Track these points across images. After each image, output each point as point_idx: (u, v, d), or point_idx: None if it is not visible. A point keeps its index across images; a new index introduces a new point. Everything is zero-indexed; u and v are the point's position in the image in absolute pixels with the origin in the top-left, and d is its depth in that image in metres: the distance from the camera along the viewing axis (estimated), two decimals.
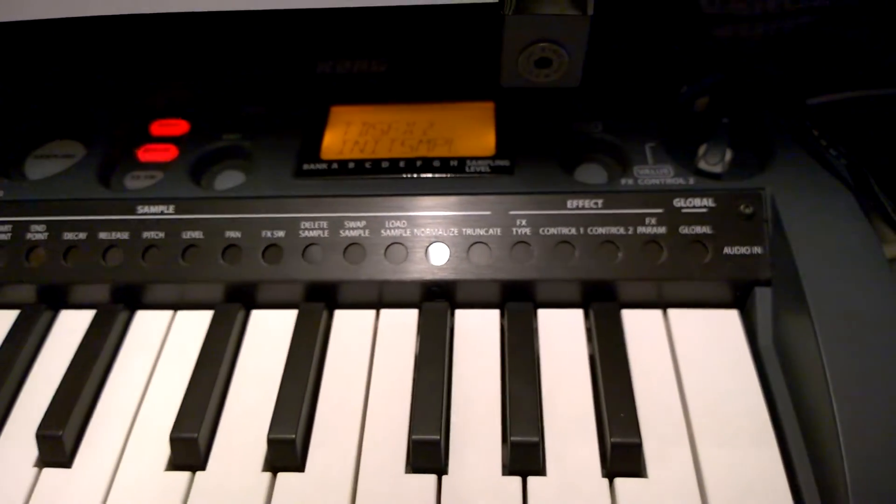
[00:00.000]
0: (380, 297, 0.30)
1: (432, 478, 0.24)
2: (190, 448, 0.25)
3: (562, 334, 0.28)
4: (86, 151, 0.34)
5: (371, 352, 0.28)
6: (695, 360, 0.27)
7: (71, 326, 0.30)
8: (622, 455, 0.24)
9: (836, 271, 0.26)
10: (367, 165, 0.31)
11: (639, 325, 0.28)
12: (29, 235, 0.31)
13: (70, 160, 0.34)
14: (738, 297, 0.28)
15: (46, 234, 0.30)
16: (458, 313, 0.29)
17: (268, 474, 0.25)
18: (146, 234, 0.30)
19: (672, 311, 0.28)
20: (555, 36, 0.22)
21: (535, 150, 0.31)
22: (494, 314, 0.29)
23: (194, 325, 0.30)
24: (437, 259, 0.29)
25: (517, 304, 0.29)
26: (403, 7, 0.26)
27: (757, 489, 0.23)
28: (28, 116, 0.37)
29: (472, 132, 0.33)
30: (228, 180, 0.33)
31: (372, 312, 0.30)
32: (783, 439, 0.25)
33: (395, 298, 0.29)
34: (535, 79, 0.23)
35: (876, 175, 0.45)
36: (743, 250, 0.28)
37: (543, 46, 0.22)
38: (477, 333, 0.28)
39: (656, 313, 0.28)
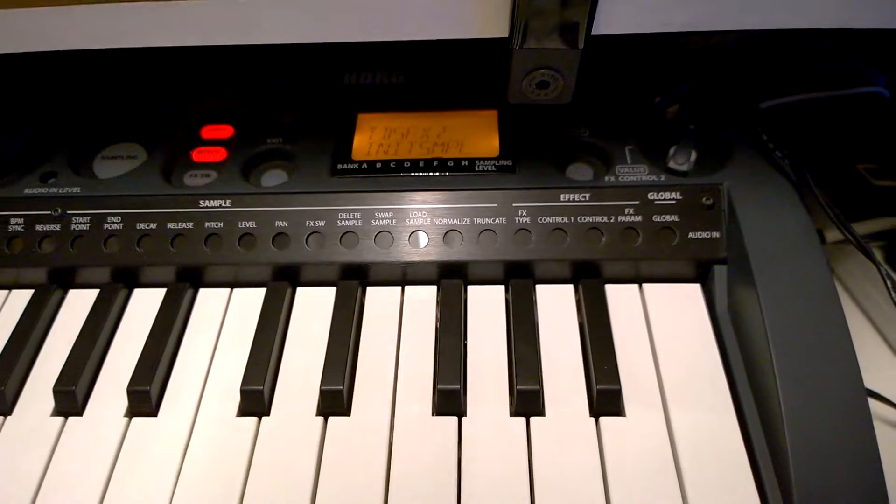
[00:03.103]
0: (404, 275, 0.35)
1: (454, 419, 0.30)
2: (256, 398, 0.31)
3: (556, 305, 0.34)
4: (147, 153, 0.40)
5: (399, 320, 0.34)
6: (664, 325, 0.33)
7: (146, 303, 0.36)
8: (605, 399, 0.30)
9: (778, 251, 0.32)
10: (392, 165, 0.37)
11: (619, 298, 0.34)
12: (106, 226, 0.36)
13: (134, 161, 0.39)
14: (700, 273, 0.34)
15: (122, 224, 0.36)
16: (471, 289, 0.35)
17: (320, 418, 0.31)
18: (208, 224, 0.35)
19: (647, 286, 0.35)
20: (552, 64, 0.27)
21: (533, 152, 0.37)
22: (500, 289, 0.35)
23: (249, 300, 0.36)
24: (453, 244, 0.35)
25: (519, 280, 0.35)
26: None
27: (713, 423, 0.29)
28: (94, 123, 0.42)
29: (480, 136, 0.38)
30: (273, 178, 0.38)
31: (398, 289, 0.35)
32: (734, 388, 0.31)
33: (418, 277, 0.35)
34: (536, 97, 0.29)
35: (820, 168, 0.52)
36: (704, 235, 0.34)
37: (543, 72, 0.28)
38: (486, 305, 0.34)
39: (634, 287, 0.35)
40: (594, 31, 0.26)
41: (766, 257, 0.31)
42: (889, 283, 0.35)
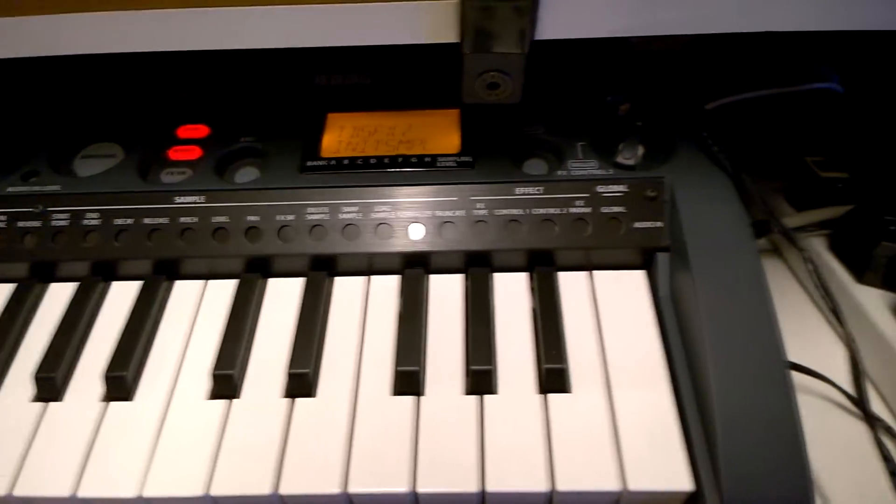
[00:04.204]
0: (370, 266, 0.38)
1: (412, 398, 0.32)
2: (227, 381, 0.33)
3: (511, 292, 0.36)
4: (124, 152, 0.42)
5: (364, 308, 0.36)
6: (611, 309, 0.35)
7: (123, 295, 0.38)
8: (552, 377, 0.32)
9: (712, 239, 0.34)
10: (359, 162, 0.39)
11: (571, 284, 0.36)
12: (85, 222, 0.38)
13: (113, 160, 0.41)
14: (645, 261, 0.37)
15: (100, 220, 0.38)
16: (432, 277, 0.37)
17: (288, 400, 0.33)
18: (182, 219, 0.37)
19: (596, 273, 0.37)
20: (500, 67, 0.29)
21: (491, 149, 0.39)
22: (460, 277, 0.37)
23: (223, 291, 0.38)
24: (416, 235, 0.37)
25: (478, 269, 0.37)
26: None
27: (650, 400, 0.31)
28: (74, 123, 0.44)
29: (442, 134, 0.40)
30: (246, 175, 0.40)
31: (364, 278, 0.38)
32: (673, 367, 0.33)
33: (383, 267, 0.37)
34: (488, 98, 0.31)
35: (773, 161, 0.54)
36: (648, 225, 0.36)
37: (493, 74, 0.30)
38: (446, 292, 0.36)
39: (584, 274, 0.37)
40: (537, 37, 0.29)
41: (702, 244, 0.33)
42: (811, 265, 0.38)
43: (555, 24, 0.28)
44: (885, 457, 0.34)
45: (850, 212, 0.46)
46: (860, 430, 0.39)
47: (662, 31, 0.29)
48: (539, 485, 0.29)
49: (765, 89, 0.52)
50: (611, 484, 0.29)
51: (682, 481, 0.29)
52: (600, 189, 0.37)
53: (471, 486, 0.29)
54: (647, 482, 0.29)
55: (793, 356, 0.41)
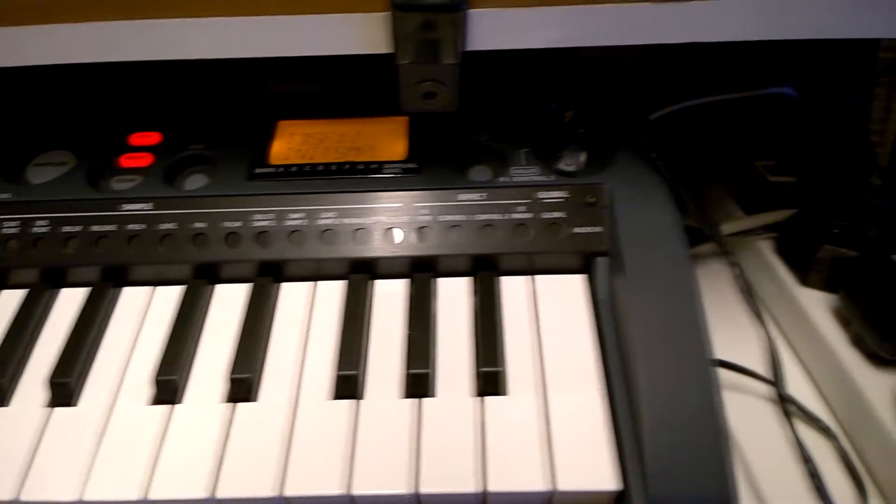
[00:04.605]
0: (317, 271, 0.38)
1: (353, 402, 0.33)
2: (169, 386, 0.33)
3: (454, 297, 0.37)
4: (77, 159, 0.42)
5: (309, 313, 0.37)
6: (550, 313, 0.36)
7: (70, 301, 0.38)
8: (488, 379, 0.33)
9: (646, 244, 0.35)
10: (307, 169, 0.40)
11: (512, 289, 0.37)
12: (34, 229, 0.38)
13: (64, 167, 0.41)
14: (585, 265, 0.37)
15: (49, 227, 0.38)
16: (377, 283, 0.38)
17: (230, 405, 0.33)
18: (130, 227, 0.38)
19: (538, 277, 0.38)
20: (435, 77, 0.30)
21: (437, 156, 0.40)
22: (404, 282, 0.38)
23: (170, 297, 0.38)
24: (361, 241, 0.37)
25: (421, 274, 0.37)
26: None
27: (583, 401, 0.32)
28: (27, 131, 0.44)
29: (390, 141, 0.41)
30: (195, 182, 0.41)
31: (311, 284, 0.38)
32: (609, 369, 0.34)
33: (329, 272, 0.38)
34: (425, 107, 0.32)
35: (715, 166, 0.55)
36: (588, 230, 0.37)
37: (428, 84, 0.31)
38: (390, 297, 0.37)
39: (526, 279, 0.37)
40: (468, 48, 0.29)
41: (635, 248, 0.34)
42: (738, 269, 0.39)
43: (485, 35, 0.29)
44: (805, 458, 0.35)
45: (795, 215, 0.47)
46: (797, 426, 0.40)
47: (594, 43, 0.30)
48: (470, 485, 0.30)
49: (720, 94, 0.53)
50: (540, 484, 0.30)
51: (609, 481, 0.29)
52: (541, 195, 0.38)
53: (405, 488, 0.30)
54: (574, 482, 0.30)
55: (734, 356, 0.43)
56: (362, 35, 0.29)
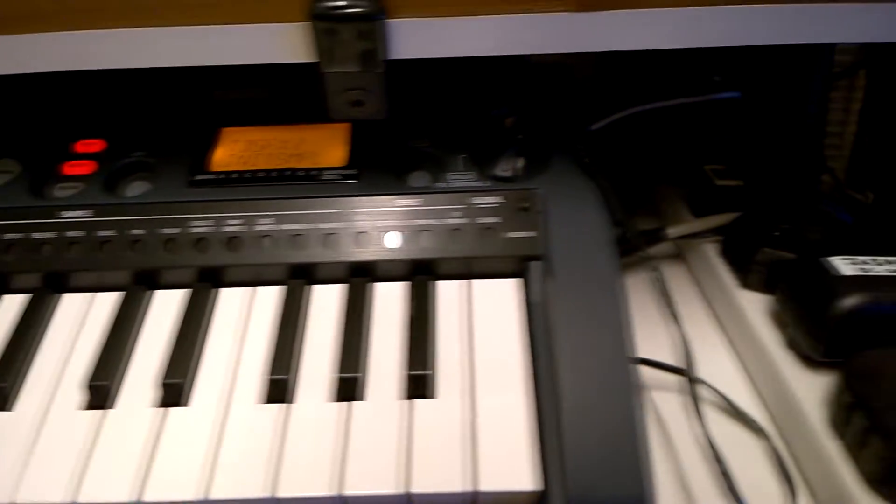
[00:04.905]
0: (257, 277, 0.38)
1: (281, 406, 0.33)
2: (102, 392, 0.34)
3: (389, 301, 0.37)
4: (21, 167, 0.42)
5: (246, 319, 0.37)
6: (484, 316, 0.36)
7: (11, 307, 0.38)
8: (416, 383, 0.33)
9: (575, 248, 0.35)
10: (247, 175, 0.40)
11: (448, 293, 0.38)
12: None
13: (9, 175, 0.42)
14: (520, 269, 0.38)
15: None
16: (315, 288, 0.38)
17: (161, 409, 0.33)
18: (70, 234, 0.38)
19: (474, 282, 0.38)
20: (361, 85, 0.31)
21: (377, 162, 0.41)
22: (340, 288, 0.38)
23: (108, 304, 0.38)
24: (299, 247, 0.38)
25: (358, 279, 0.38)
26: None
27: (510, 402, 0.32)
28: None
29: (332, 147, 0.41)
30: (136, 189, 0.41)
31: (250, 289, 0.38)
32: (538, 371, 0.34)
33: (267, 278, 0.38)
34: (353, 114, 0.32)
35: (668, 170, 0.56)
36: (522, 234, 0.37)
37: (354, 92, 0.31)
38: (325, 303, 0.37)
39: (463, 283, 0.38)
40: (391, 57, 0.30)
41: (565, 252, 0.35)
42: (658, 274, 0.39)
43: (406, 44, 0.29)
44: (717, 458, 0.35)
45: (738, 218, 0.48)
46: (730, 426, 0.40)
47: (516, 52, 0.31)
48: (392, 487, 0.30)
49: (673, 99, 0.53)
50: (461, 485, 0.30)
51: (528, 482, 0.30)
52: (476, 200, 0.38)
53: (328, 490, 0.30)
54: (495, 483, 0.30)
55: (672, 356, 0.43)
56: (286, 44, 0.29)
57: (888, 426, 0.31)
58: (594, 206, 0.36)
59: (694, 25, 0.33)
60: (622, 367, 0.31)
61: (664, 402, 0.42)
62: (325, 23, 0.27)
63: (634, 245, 0.50)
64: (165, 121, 0.44)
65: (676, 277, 0.53)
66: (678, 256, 0.55)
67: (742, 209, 0.49)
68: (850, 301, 0.35)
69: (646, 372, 0.43)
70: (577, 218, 0.36)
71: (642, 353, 0.45)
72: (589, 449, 0.30)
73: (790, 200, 0.48)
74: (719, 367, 0.45)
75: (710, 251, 0.49)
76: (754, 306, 0.44)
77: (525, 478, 0.30)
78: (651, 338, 0.46)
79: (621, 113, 0.42)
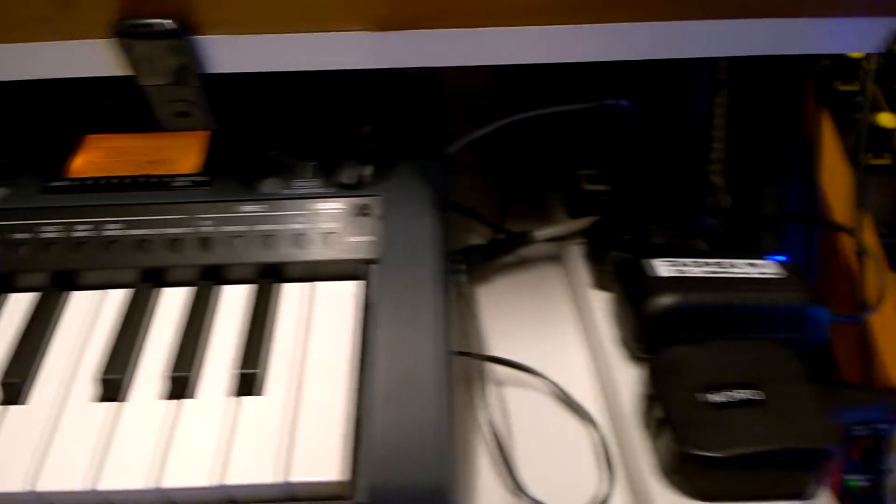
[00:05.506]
0: (107, 281, 0.40)
1: (113, 404, 0.35)
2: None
3: (233, 304, 0.39)
4: None
5: (93, 321, 0.38)
6: (323, 318, 0.38)
7: None
8: (244, 381, 0.35)
9: (407, 252, 0.37)
10: (102, 182, 0.41)
11: (292, 295, 0.39)
12: None
13: None
14: (362, 272, 0.39)
15: None
16: (163, 291, 0.40)
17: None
18: None
19: (317, 284, 0.40)
20: (181, 98, 0.32)
21: (231, 169, 0.42)
22: (188, 290, 0.39)
23: None
24: (148, 251, 0.39)
25: (205, 282, 0.39)
26: None
27: (332, 400, 0.34)
28: None
29: (188, 155, 0.43)
30: None
31: (99, 292, 0.40)
32: (364, 370, 0.36)
33: (118, 281, 0.40)
34: (182, 125, 0.33)
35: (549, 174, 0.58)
36: (362, 239, 0.39)
37: (180, 103, 0.32)
38: (170, 305, 0.39)
39: (305, 286, 0.40)
40: (205, 71, 0.31)
41: (398, 255, 0.37)
42: (460, 276, 0.41)
43: (219, 60, 0.31)
44: (499, 446, 0.37)
45: (596, 222, 0.51)
46: (568, 417, 0.43)
47: (327, 67, 0.32)
48: (206, 479, 0.32)
49: (560, 105, 0.56)
50: (273, 476, 0.32)
51: (336, 472, 0.32)
52: (319, 206, 0.40)
53: (145, 484, 0.32)
54: (304, 474, 0.32)
55: (531, 355, 0.46)
56: (100, 59, 0.30)
57: (678, 418, 0.34)
58: (429, 213, 0.38)
59: (497, 44, 0.35)
60: (434, 362, 0.34)
61: (514, 398, 0.45)
62: (129, 39, 0.28)
63: (507, 247, 0.53)
64: (32, 128, 0.45)
65: (553, 278, 0.56)
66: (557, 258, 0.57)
67: (604, 213, 0.52)
68: (662, 300, 0.38)
69: (496, 368, 0.46)
70: (412, 223, 0.38)
71: (503, 350, 0.47)
72: (395, 440, 0.32)
73: (647, 205, 0.51)
74: (572, 363, 0.47)
75: (576, 253, 0.52)
76: (601, 305, 0.46)
77: (333, 469, 0.32)
78: (514, 335, 0.49)
79: (484, 129, 0.44)
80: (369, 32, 0.29)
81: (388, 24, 0.29)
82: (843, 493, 0.52)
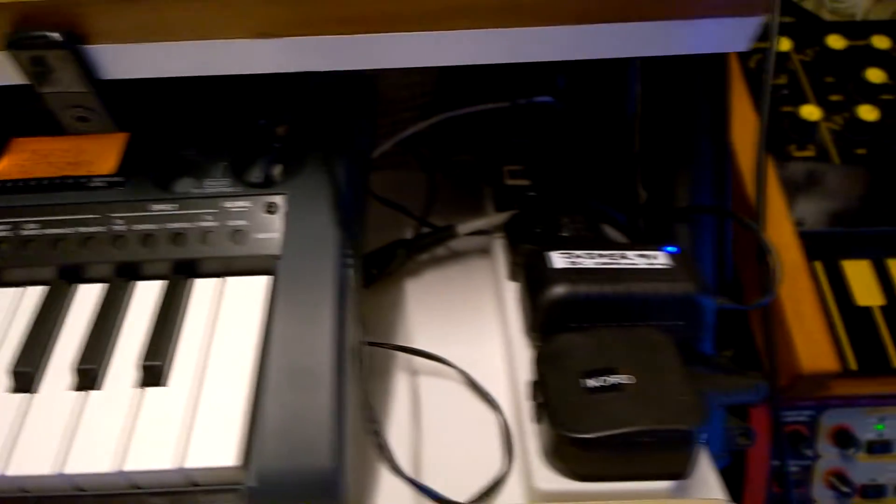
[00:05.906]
0: (25, 278, 0.41)
1: (24, 396, 0.36)
2: None
3: (145, 300, 0.41)
4: None
5: (11, 318, 0.40)
6: (229, 312, 0.40)
7: None
8: (148, 373, 0.37)
9: (305, 248, 0.39)
10: (20, 184, 0.43)
11: (203, 290, 0.41)
12: None
13: None
14: (269, 267, 0.41)
15: None
16: (81, 287, 0.41)
17: None
18: None
19: (229, 279, 0.41)
20: (79, 104, 0.34)
21: (146, 170, 0.44)
22: (102, 287, 0.41)
23: None
24: (63, 249, 0.41)
25: (118, 278, 0.41)
26: None
27: (229, 389, 0.36)
28: None
29: (107, 156, 0.44)
30: None
31: (20, 289, 0.41)
32: (266, 362, 0.38)
33: (37, 279, 0.41)
34: (82, 129, 0.35)
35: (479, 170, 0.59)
36: (269, 236, 0.41)
37: (78, 109, 0.34)
38: (86, 301, 0.40)
39: (215, 281, 0.41)
40: (99, 77, 0.33)
41: (299, 251, 0.39)
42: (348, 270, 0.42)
43: (112, 67, 0.32)
44: (376, 431, 0.38)
45: (513, 216, 0.52)
46: (477, 404, 0.45)
47: (221, 72, 0.34)
48: (107, 466, 0.34)
49: (490, 103, 0.57)
50: (169, 462, 0.34)
51: (229, 458, 0.34)
52: (227, 204, 0.41)
53: (50, 470, 0.34)
54: (199, 460, 0.34)
55: (451, 345, 0.47)
56: (4, 69, 0.32)
57: (555, 402, 0.36)
58: (328, 210, 0.40)
59: (395, 48, 0.36)
60: (328, 353, 0.35)
61: (427, 386, 0.46)
62: (19, 50, 0.30)
63: (432, 241, 0.55)
64: None
65: (480, 271, 0.58)
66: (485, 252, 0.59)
67: (523, 207, 0.54)
68: (553, 291, 0.40)
69: (413, 359, 0.47)
70: (314, 220, 0.40)
71: (425, 341, 0.49)
72: (285, 427, 0.34)
73: (560, 198, 0.53)
74: (487, 353, 0.49)
75: (498, 246, 0.53)
76: (512, 297, 0.48)
77: (227, 455, 0.34)
78: (438, 326, 0.50)
79: (410, 129, 0.46)
80: (248, 40, 0.31)
81: (265, 33, 0.30)
82: (773, 478, 0.55)
